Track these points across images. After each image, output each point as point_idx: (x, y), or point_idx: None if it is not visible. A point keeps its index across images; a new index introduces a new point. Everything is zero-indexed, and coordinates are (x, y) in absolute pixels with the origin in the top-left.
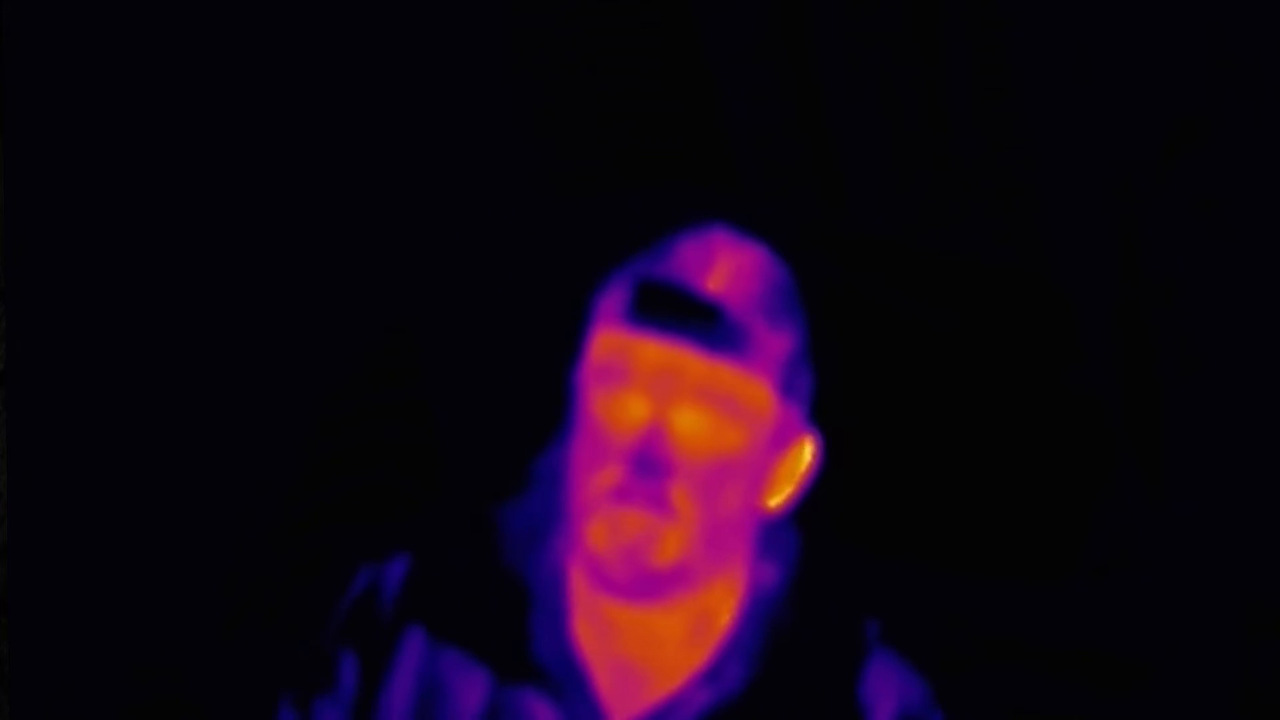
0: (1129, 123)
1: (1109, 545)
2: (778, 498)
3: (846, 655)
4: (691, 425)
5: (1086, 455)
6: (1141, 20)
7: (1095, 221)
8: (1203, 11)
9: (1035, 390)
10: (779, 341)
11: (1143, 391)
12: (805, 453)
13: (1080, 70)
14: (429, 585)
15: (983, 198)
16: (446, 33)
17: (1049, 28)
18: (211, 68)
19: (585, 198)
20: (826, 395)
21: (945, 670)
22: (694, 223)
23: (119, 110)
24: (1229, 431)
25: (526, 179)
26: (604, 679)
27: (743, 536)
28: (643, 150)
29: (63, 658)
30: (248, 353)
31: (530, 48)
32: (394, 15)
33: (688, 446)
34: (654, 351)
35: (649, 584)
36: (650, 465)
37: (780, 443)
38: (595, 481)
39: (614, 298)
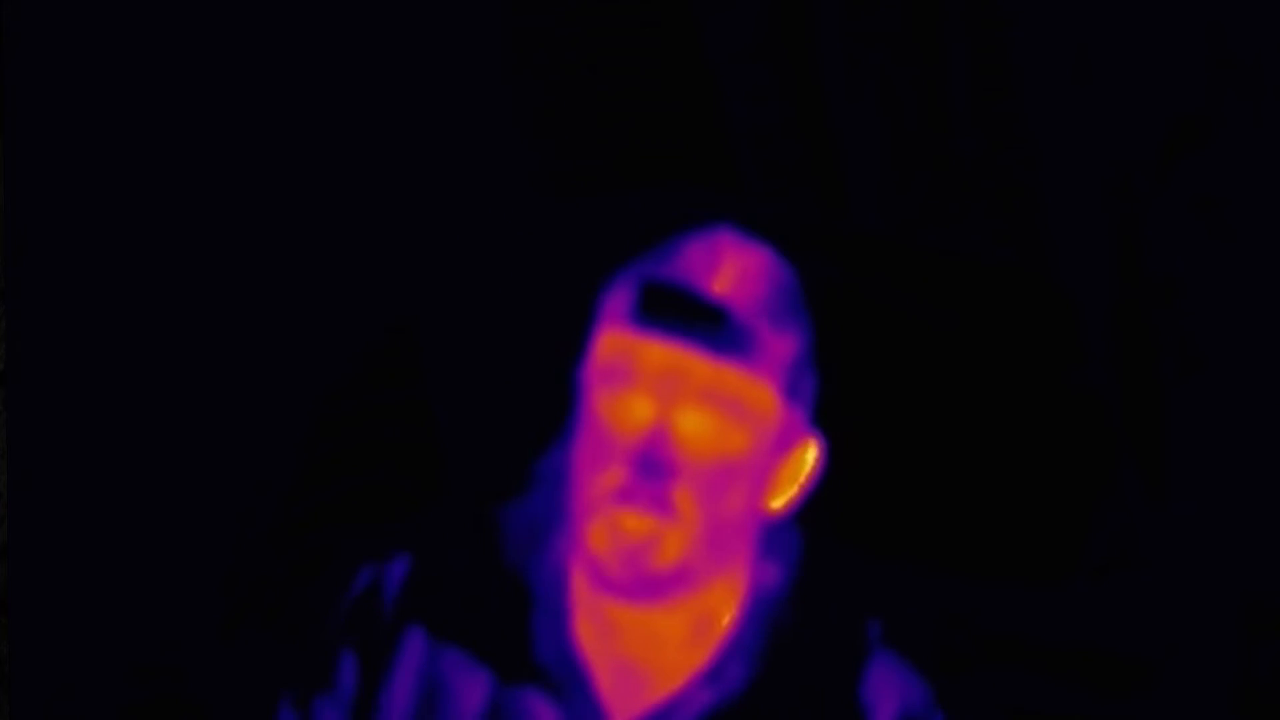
0: (1129, 123)
1: (1109, 545)
2: (780, 500)
3: (848, 656)
4: (695, 427)
5: (1086, 455)
6: (1141, 20)
7: (1095, 221)
8: (1203, 11)
9: (1035, 390)
10: (784, 344)
11: (1143, 391)
12: (808, 455)
13: (1080, 70)
14: (430, 585)
15: (983, 198)
16: (446, 33)
17: (1049, 28)
18: (212, 68)
19: (585, 198)
20: (827, 395)
21: (945, 670)
22: (699, 224)
23: (119, 110)
24: (1229, 431)
25: (526, 179)
26: (605, 679)
27: (745, 538)
28: (643, 150)
29: (63, 658)
30: (248, 353)
31: (530, 48)
32: (394, 15)
33: (691, 448)
34: (659, 353)
35: (650, 585)
36: (653, 466)
37: (784, 445)
38: (598, 482)
39: (619, 298)
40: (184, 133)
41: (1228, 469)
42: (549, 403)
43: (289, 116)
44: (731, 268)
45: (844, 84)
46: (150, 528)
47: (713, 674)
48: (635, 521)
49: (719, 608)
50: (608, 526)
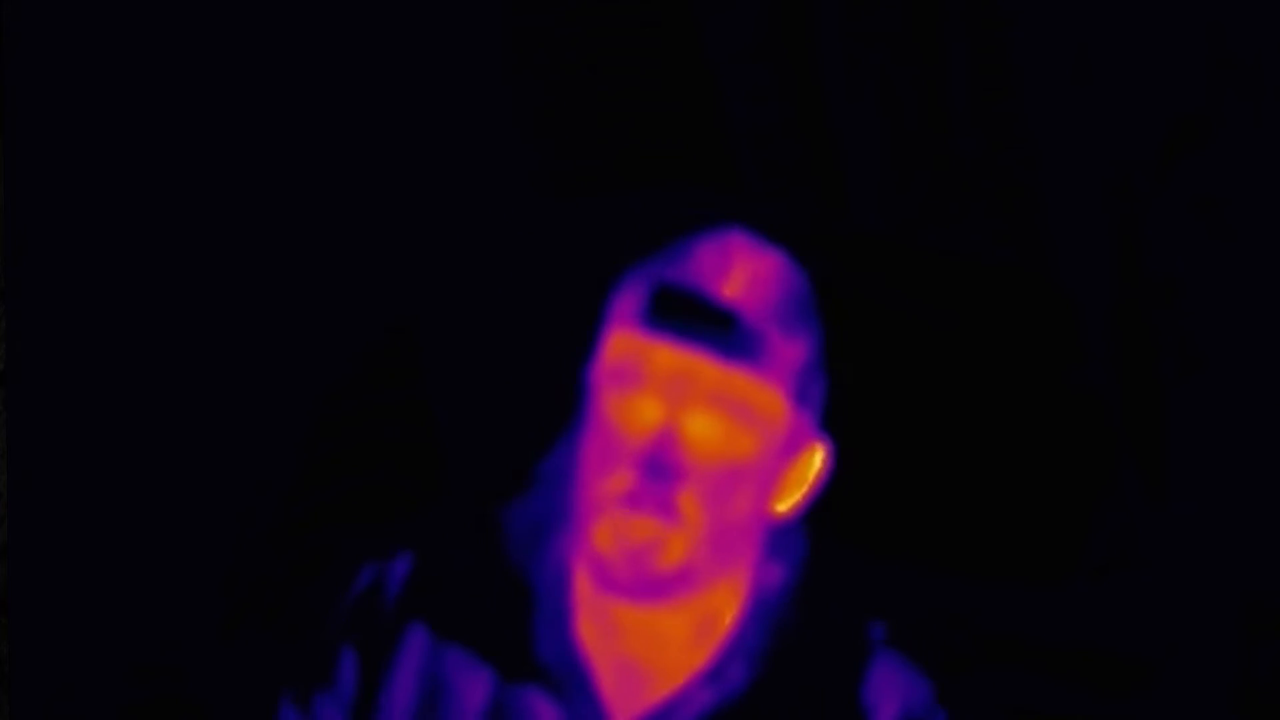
0: (1129, 123)
1: (1109, 545)
2: (786, 503)
3: (849, 656)
4: (703, 431)
5: (1086, 455)
6: (1141, 20)
7: (1095, 221)
8: (1203, 11)
9: (1035, 390)
10: (793, 349)
11: (1143, 391)
12: (816, 459)
13: (1080, 70)
14: (432, 584)
15: (983, 198)
16: (446, 33)
17: (1049, 28)
18: (211, 68)
19: (585, 198)
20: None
21: (945, 670)
22: (711, 226)
23: (119, 110)
24: (1229, 431)
25: (526, 179)
26: (607, 678)
27: (750, 540)
28: (643, 150)
29: (63, 658)
30: (248, 353)
31: (530, 48)
32: (394, 15)
33: (699, 451)
34: (668, 356)
35: (653, 586)
36: (660, 469)
37: (791, 449)
38: (605, 484)
39: (630, 299)
40: (184, 133)
41: (1228, 469)
42: (549, 402)
43: (289, 117)
44: (742, 271)
45: (844, 84)
46: (150, 528)
47: (714, 674)
48: (641, 526)
49: (722, 608)
50: (612, 529)
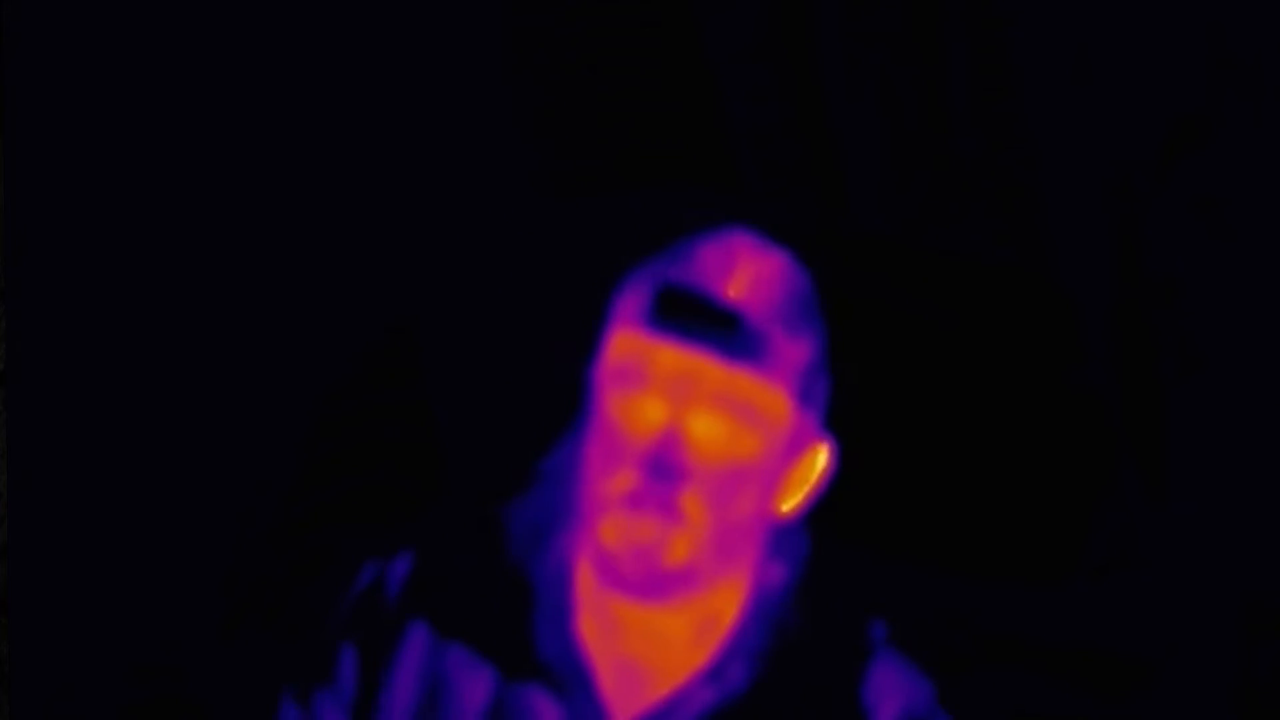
0: (1129, 123)
1: (1109, 545)
2: (790, 503)
3: (850, 656)
4: (707, 431)
5: (1086, 455)
6: (1141, 20)
7: (1095, 221)
8: (1203, 11)
9: (1035, 390)
10: (797, 349)
11: (1143, 391)
12: (819, 459)
13: (1080, 70)
14: (434, 582)
15: (983, 198)
16: (446, 33)
17: (1049, 28)
18: (211, 68)
19: (585, 198)
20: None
21: (945, 670)
22: (714, 226)
23: (119, 110)
24: (1229, 431)
25: (526, 179)
26: (608, 677)
27: (752, 540)
28: (643, 150)
29: (63, 658)
30: (248, 353)
31: (530, 48)
32: (394, 15)
33: (703, 452)
34: (672, 356)
35: (659, 583)
36: (664, 469)
37: (795, 449)
38: (608, 485)
39: (633, 300)
40: (184, 133)
41: (1228, 469)
42: (549, 402)
43: (289, 117)
44: (746, 272)
45: (844, 84)
46: (150, 528)
47: (714, 673)
48: (645, 526)
49: (723, 608)
50: (617, 527)
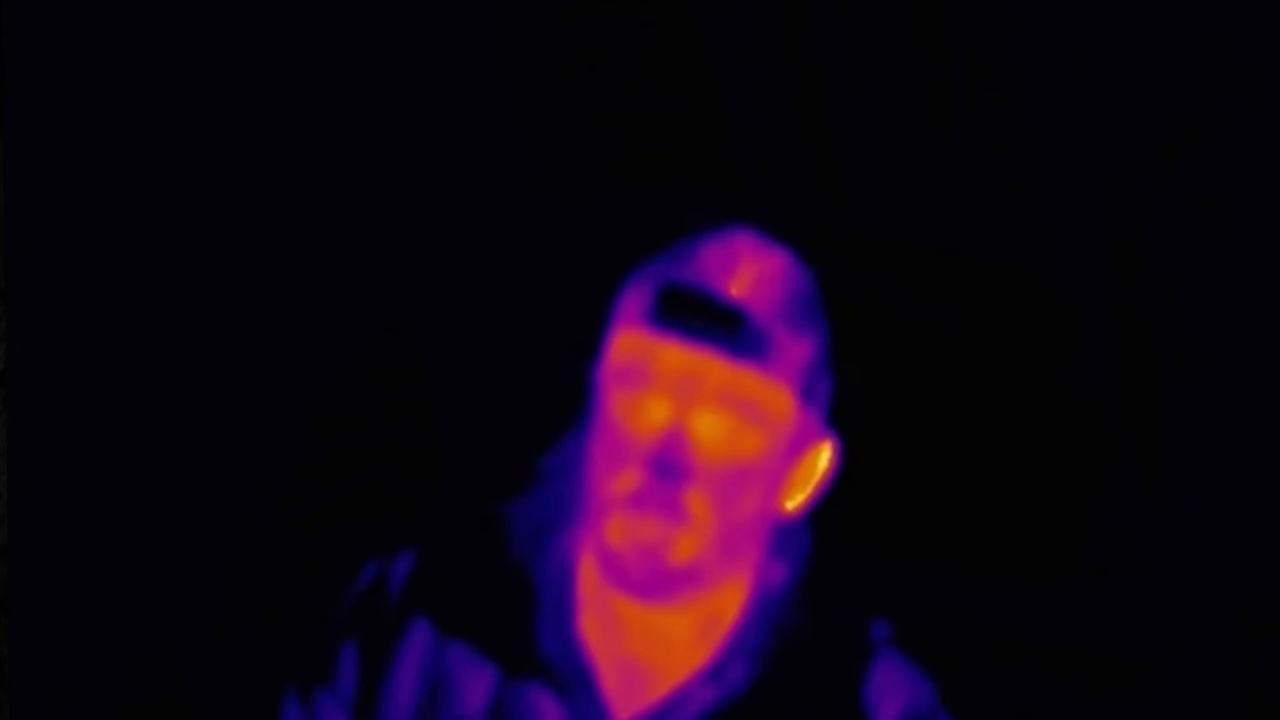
0: (1129, 123)
1: (1109, 545)
2: (793, 501)
3: (851, 656)
4: (711, 430)
5: (1086, 455)
6: (1141, 20)
7: (1095, 221)
8: (1203, 11)
9: (1035, 390)
10: (800, 348)
11: (1143, 391)
12: (822, 457)
13: (1080, 70)
14: (435, 581)
15: (983, 198)
16: (446, 33)
17: (1049, 28)
18: (211, 68)
19: (585, 198)
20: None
21: (945, 670)
22: (716, 225)
23: (119, 110)
24: (1229, 431)
25: (526, 179)
26: (609, 676)
27: (755, 539)
28: (643, 150)
29: (63, 658)
30: (248, 353)
31: (530, 48)
32: (394, 15)
33: (706, 451)
34: (676, 356)
35: (663, 583)
36: (668, 469)
37: (798, 448)
38: (612, 484)
39: (636, 299)
40: (184, 133)
41: (1228, 469)
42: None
43: (289, 117)
44: (748, 271)
45: (844, 84)
46: (150, 528)
47: (715, 672)
48: (649, 527)
49: (725, 607)
50: (623, 525)
